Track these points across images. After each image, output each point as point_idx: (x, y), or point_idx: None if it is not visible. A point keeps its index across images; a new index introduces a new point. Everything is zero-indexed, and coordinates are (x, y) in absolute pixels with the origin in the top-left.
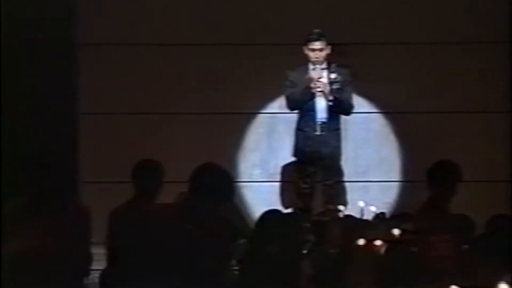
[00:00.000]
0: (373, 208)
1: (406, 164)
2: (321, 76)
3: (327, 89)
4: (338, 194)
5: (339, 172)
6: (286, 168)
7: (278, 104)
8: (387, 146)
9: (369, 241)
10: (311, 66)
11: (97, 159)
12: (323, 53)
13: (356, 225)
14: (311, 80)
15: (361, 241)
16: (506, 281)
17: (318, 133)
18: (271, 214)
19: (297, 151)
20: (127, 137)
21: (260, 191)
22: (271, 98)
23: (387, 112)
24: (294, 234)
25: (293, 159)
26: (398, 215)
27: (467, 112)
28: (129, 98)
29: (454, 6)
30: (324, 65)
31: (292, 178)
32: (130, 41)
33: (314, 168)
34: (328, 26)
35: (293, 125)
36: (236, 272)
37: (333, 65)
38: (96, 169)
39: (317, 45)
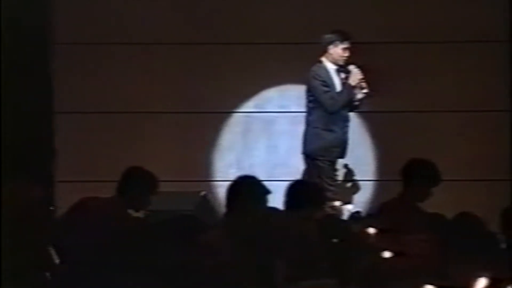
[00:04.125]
0: (349, 207)
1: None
2: (362, 77)
3: (368, 89)
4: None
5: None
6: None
7: (254, 103)
8: (364, 145)
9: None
10: (330, 66)
11: (73, 158)
12: (349, 53)
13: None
14: (355, 81)
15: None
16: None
17: (345, 132)
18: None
19: (323, 150)
20: (103, 136)
21: None
22: (247, 97)
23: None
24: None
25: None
26: (373, 215)
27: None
28: (104, 97)
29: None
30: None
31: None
32: (106, 41)
33: (337, 166)
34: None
35: (268, 125)
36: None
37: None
38: (71, 168)
39: (348, 44)
